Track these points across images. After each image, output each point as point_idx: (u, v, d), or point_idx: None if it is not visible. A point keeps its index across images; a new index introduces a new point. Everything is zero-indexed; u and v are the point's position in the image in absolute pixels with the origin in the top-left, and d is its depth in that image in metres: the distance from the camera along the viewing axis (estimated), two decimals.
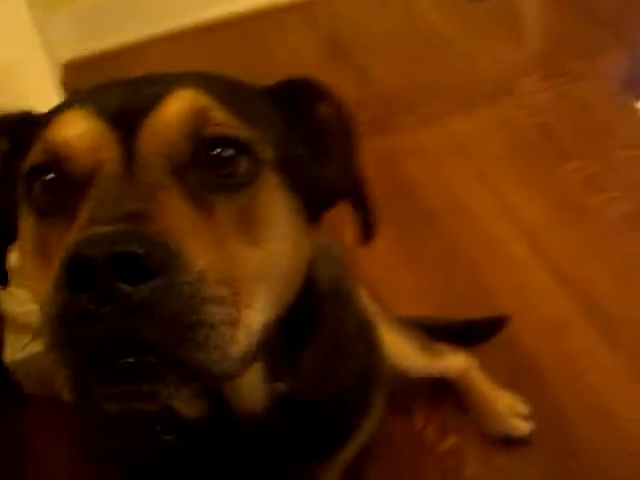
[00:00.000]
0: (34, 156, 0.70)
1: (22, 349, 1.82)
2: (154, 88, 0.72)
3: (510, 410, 1.68)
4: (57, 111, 0.73)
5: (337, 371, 0.97)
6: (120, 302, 0.56)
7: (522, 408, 1.70)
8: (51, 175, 0.68)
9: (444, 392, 1.76)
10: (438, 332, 1.74)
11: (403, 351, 1.53)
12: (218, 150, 0.70)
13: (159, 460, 0.93)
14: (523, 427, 1.67)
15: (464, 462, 1.65)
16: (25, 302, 1.81)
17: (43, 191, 0.69)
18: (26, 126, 0.76)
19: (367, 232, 0.89)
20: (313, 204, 0.80)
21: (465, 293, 1.98)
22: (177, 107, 0.69)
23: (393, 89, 2.80)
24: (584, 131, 2.47)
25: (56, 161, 0.68)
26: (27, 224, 0.72)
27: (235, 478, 0.95)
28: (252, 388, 0.85)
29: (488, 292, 1.98)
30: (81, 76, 3.02)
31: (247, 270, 0.67)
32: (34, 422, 1.89)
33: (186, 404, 0.84)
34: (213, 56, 3.08)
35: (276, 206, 0.73)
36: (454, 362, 1.71)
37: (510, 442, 1.66)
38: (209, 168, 0.69)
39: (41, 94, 1.68)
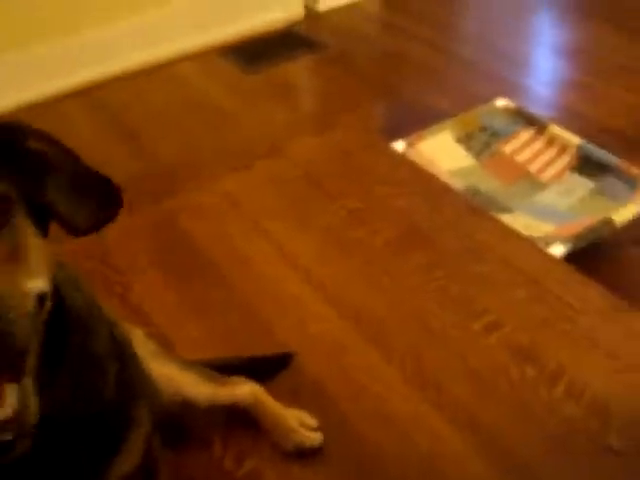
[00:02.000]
0: None
1: None
2: None
3: (299, 424, 1.82)
4: None
5: (91, 388, 1.06)
6: None
7: (310, 421, 1.84)
8: None
9: (239, 420, 1.87)
10: (225, 370, 1.85)
11: (188, 380, 1.64)
12: None
13: None
14: (313, 437, 1.81)
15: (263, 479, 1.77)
16: None
17: None
18: None
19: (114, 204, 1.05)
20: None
21: (247, 334, 2.12)
22: None
23: (176, 159, 2.95)
24: (346, 174, 2.72)
25: None
26: None
27: None
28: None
29: (269, 330, 2.13)
30: None
31: None
32: None
33: None
34: None
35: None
36: (241, 390, 1.82)
37: (303, 454, 1.79)
38: None
39: None
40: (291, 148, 2.93)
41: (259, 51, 3.74)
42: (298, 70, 3.70)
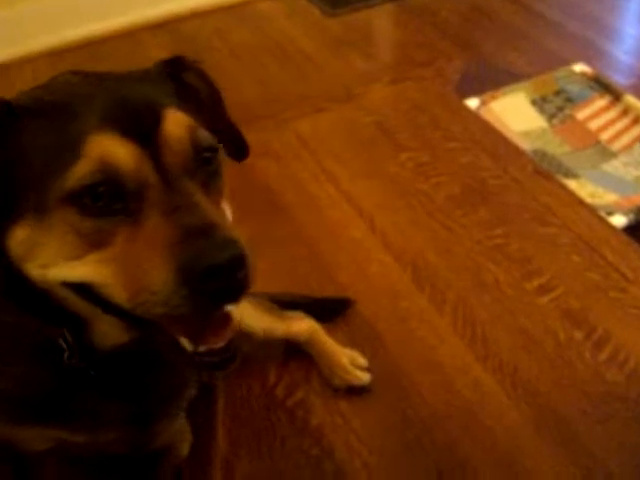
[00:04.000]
0: (87, 176, 0.87)
1: None
2: (143, 103, 0.94)
3: (352, 363, 1.92)
4: (62, 116, 0.92)
5: None
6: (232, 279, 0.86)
7: (361, 361, 1.94)
8: (102, 189, 0.88)
9: (293, 354, 1.98)
10: (287, 305, 1.96)
11: (248, 312, 1.74)
12: (206, 154, 0.97)
13: (54, 390, 1.12)
14: (363, 377, 1.90)
15: (311, 412, 1.86)
16: None
17: (93, 200, 0.88)
18: (4, 117, 0.93)
19: (241, 153, 1.21)
20: None
21: (309, 272, 2.21)
22: (180, 127, 0.94)
23: (252, 97, 3.04)
24: (416, 126, 2.77)
25: (108, 180, 0.88)
26: (74, 223, 0.89)
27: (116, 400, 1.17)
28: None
29: (330, 269, 2.23)
30: None
31: None
32: None
33: (115, 334, 1.05)
34: None
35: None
36: (299, 326, 1.93)
37: (352, 391, 1.89)
38: (203, 166, 0.96)
39: None
40: (365, 96, 2.99)
41: None
42: (379, 17, 3.73)
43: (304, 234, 2.34)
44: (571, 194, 2.43)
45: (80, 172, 0.87)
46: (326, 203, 2.46)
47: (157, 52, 3.38)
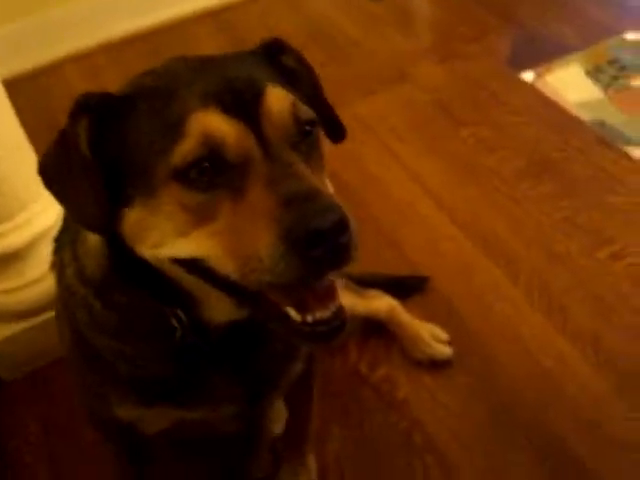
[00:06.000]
0: (191, 152, 0.90)
1: None
2: (243, 81, 0.96)
3: (432, 337, 1.95)
4: (155, 99, 0.96)
5: None
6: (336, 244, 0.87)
7: (442, 335, 1.97)
8: (206, 164, 0.91)
9: (373, 332, 2.01)
10: (365, 284, 1.98)
11: None
12: (307, 127, 0.99)
13: (172, 369, 1.16)
14: (445, 351, 1.94)
15: (396, 386, 1.90)
16: None
17: (199, 175, 0.91)
18: (106, 107, 0.97)
19: (336, 134, 1.21)
20: None
21: (380, 251, 2.25)
22: (281, 102, 0.96)
23: None
24: (475, 102, 2.78)
25: (212, 155, 0.91)
26: (181, 199, 0.93)
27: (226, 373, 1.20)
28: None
29: (400, 248, 2.26)
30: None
31: None
32: (9, 404, 2.05)
33: (226, 310, 1.08)
34: (126, 70, 3.25)
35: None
36: (379, 303, 1.97)
37: (435, 365, 1.92)
38: (304, 139, 0.99)
39: None
40: (418, 75, 3.00)
41: None
42: None
43: (371, 214, 2.37)
44: (635, 162, 2.43)
45: (185, 149, 0.91)
46: (391, 182, 2.49)
47: (208, 42, 3.42)
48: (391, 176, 2.51)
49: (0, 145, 1.78)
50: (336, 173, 2.49)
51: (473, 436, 1.78)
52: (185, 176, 0.92)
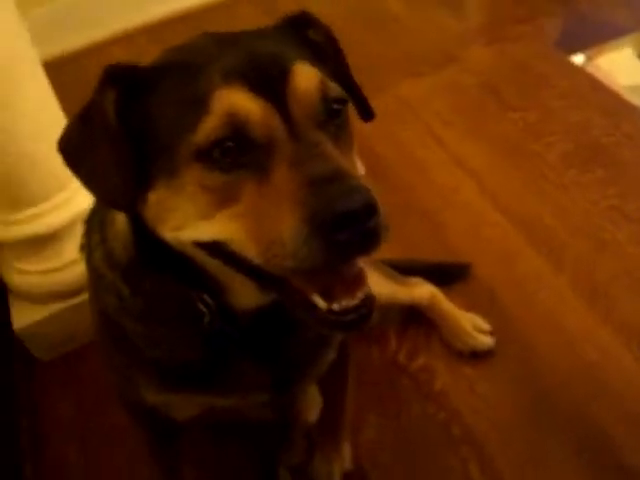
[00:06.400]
0: (215, 130, 0.87)
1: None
2: (269, 58, 0.93)
3: (474, 327, 1.91)
4: (185, 73, 0.92)
5: None
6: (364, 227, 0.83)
7: (484, 325, 1.92)
8: (230, 143, 0.88)
9: (413, 320, 1.98)
10: (405, 271, 1.95)
11: (372, 279, 1.73)
12: (335, 105, 0.95)
13: (201, 355, 1.14)
14: (487, 341, 1.89)
15: (435, 376, 1.86)
16: (27, 273, 1.98)
17: (221, 154, 0.88)
18: (134, 79, 0.95)
19: (366, 113, 1.15)
20: None
21: (422, 237, 2.20)
22: (308, 80, 0.93)
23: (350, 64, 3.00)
24: (523, 86, 2.71)
25: (236, 134, 0.88)
26: (204, 179, 0.90)
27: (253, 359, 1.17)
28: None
29: (443, 233, 2.21)
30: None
31: None
32: (44, 384, 2.06)
33: (252, 296, 1.06)
34: None
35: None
36: (420, 291, 1.93)
37: (475, 356, 1.88)
38: (332, 118, 0.95)
39: (37, 91, 1.81)
40: (465, 57, 2.93)
41: None
42: None
43: (413, 198, 2.33)
44: None
45: (208, 127, 0.87)
46: (434, 166, 2.44)
47: (252, 24, 3.35)
48: (435, 160, 2.46)
49: (39, 125, 1.78)
50: (378, 156, 2.46)
51: (512, 427, 1.74)
52: (208, 156, 0.88)
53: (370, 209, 0.83)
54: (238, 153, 0.89)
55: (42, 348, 2.08)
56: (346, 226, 0.81)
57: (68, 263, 1.94)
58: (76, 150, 0.98)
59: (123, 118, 0.94)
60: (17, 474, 1.85)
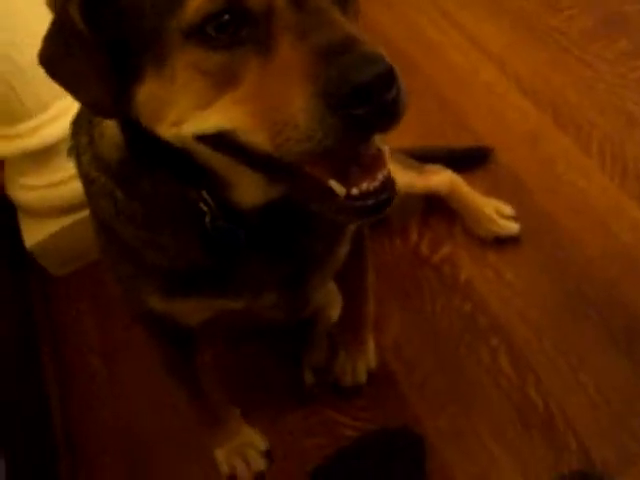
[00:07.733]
0: (204, 3, 0.78)
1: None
2: None
3: (497, 213, 1.82)
4: None
5: None
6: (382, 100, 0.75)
7: (508, 210, 1.84)
8: (226, 17, 0.78)
9: (434, 210, 1.90)
10: (424, 159, 1.85)
11: None
12: None
13: (206, 257, 1.07)
14: (511, 226, 1.81)
15: (459, 266, 1.79)
16: (33, 188, 1.92)
17: (217, 31, 0.79)
18: None
19: None
20: None
21: (443, 123, 2.10)
22: None
23: None
24: None
25: (231, 4, 0.78)
26: (199, 61, 0.81)
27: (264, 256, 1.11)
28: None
29: (463, 118, 2.10)
30: None
31: None
32: (61, 299, 2.03)
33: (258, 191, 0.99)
34: None
35: None
36: (439, 178, 1.83)
37: (500, 242, 1.80)
38: None
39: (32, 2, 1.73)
40: None
41: None
42: None
43: (431, 83, 2.21)
44: None
45: (195, 6, 0.78)
46: (450, 49, 2.32)
47: None
48: (450, 42, 2.34)
49: (32, 35, 1.69)
50: (391, 41, 2.36)
51: (541, 315, 1.67)
52: (201, 33, 0.79)
53: (389, 79, 0.74)
54: (234, 27, 0.79)
55: (55, 263, 2.05)
56: (364, 99, 0.73)
57: (73, 175, 1.87)
58: (53, 61, 0.88)
59: (95, 18, 0.84)
60: (41, 390, 1.83)
